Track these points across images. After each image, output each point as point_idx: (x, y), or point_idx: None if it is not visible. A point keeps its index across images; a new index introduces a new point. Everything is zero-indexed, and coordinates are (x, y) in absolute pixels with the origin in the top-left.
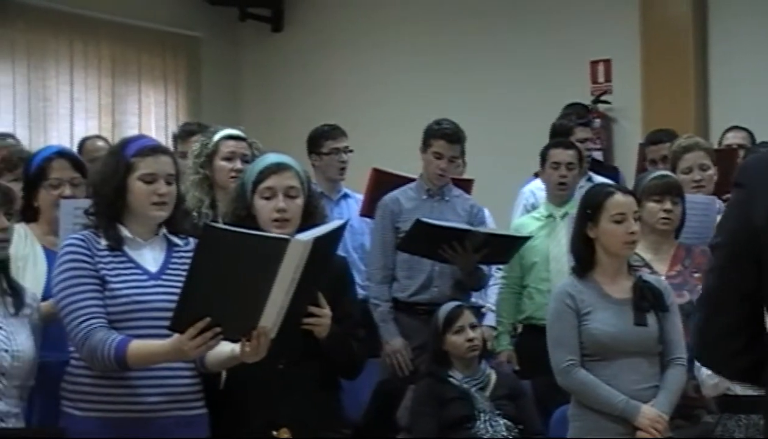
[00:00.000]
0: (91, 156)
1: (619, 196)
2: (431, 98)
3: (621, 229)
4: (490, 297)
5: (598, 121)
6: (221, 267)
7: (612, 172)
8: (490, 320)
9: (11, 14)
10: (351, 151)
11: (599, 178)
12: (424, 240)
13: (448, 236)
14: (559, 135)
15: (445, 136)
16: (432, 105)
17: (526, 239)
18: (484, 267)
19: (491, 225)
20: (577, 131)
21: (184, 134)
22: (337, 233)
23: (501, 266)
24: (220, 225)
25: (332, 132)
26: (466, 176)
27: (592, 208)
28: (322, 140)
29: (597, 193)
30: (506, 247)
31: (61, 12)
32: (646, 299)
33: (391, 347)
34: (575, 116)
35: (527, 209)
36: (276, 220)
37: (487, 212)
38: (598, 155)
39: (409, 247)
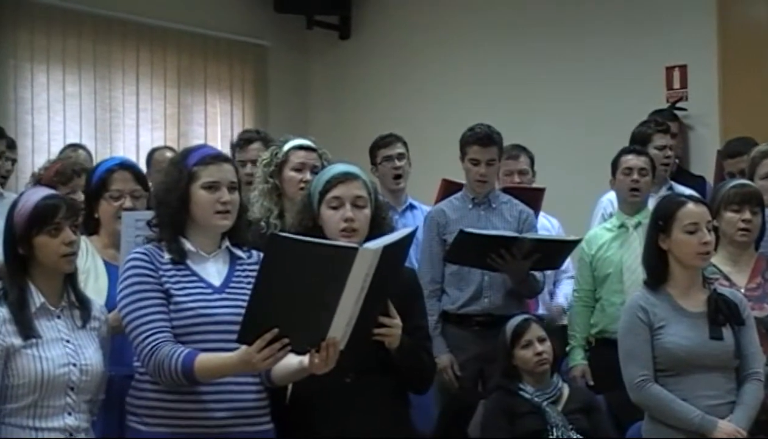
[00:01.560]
0: (161, 167)
1: (691, 206)
2: (500, 108)
3: (694, 239)
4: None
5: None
6: (288, 277)
7: (697, 181)
8: (560, 299)
9: (79, 24)
10: (405, 157)
11: (681, 188)
12: (470, 250)
13: (494, 245)
14: (638, 142)
15: (478, 141)
16: (501, 115)
17: (576, 242)
18: (538, 274)
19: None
20: (655, 138)
21: (242, 142)
22: (405, 242)
23: (573, 277)
24: (287, 234)
25: (384, 140)
26: (536, 186)
27: (663, 218)
28: (375, 151)
29: (668, 204)
30: (557, 251)
31: (127, 21)
32: (721, 312)
33: (439, 364)
34: (654, 123)
35: (605, 219)
36: (344, 230)
37: (556, 223)
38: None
39: (456, 258)
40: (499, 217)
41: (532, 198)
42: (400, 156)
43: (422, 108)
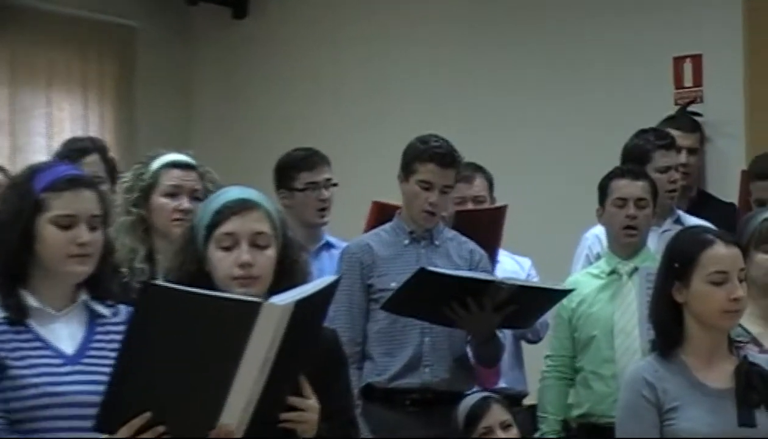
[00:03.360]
0: None
1: (720, 248)
2: (446, 113)
3: (721, 293)
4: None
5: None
6: (166, 342)
7: (727, 210)
8: None
9: None
10: (335, 184)
11: (692, 220)
12: (423, 296)
13: (461, 291)
14: (634, 161)
15: (435, 158)
16: (447, 122)
17: (566, 292)
18: (501, 335)
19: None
20: (656, 157)
21: (73, 154)
22: (326, 295)
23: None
24: (165, 284)
25: (308, 160)
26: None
27: (682, 262)
28: (294, 171)
29: (689, 242)
30: (538, 304)
31: None
32: (755, 389)
33: None
34: (654, 136)
35: (590, 261)
36: (239, 277)
37: (527, 263)
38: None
39: (398, 306)
40: (443, 258)
41: (492, 221)
42: (328, 183)
43: (342, 109)
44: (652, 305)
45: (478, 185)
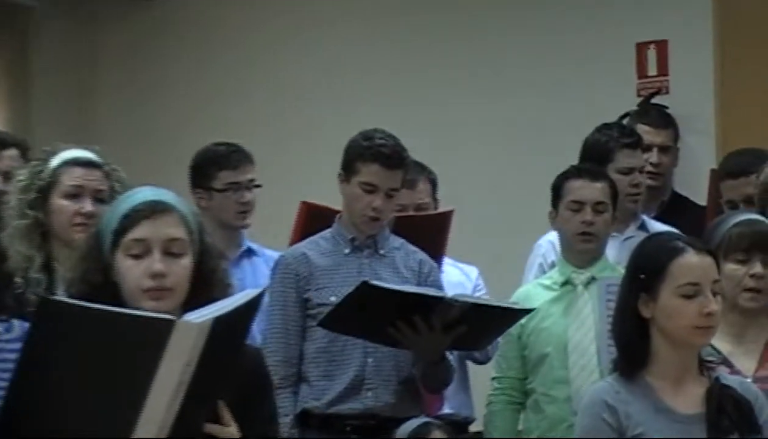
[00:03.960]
0: None
1: (691, 257)
2: (382, 107)
3: (692, 307)
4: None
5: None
6: (67, 364)
7: (696, 216)
8: None
9: None
10: (258, 185)
11: (656, 226)
12: (365, 313)
13: (407, 308)
14: (594, 159)
15: (380, 158)
16: (383, 116)
17: (525, 311)
18: (450, 356)
19: (482, 293)
20: (619, 157)
21: None
22: (248, 311)
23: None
24: (64, 299)
25: (230, 157)
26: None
27: (649, 272)
28: (213, 169)
29: (657, 250)
30: (493, 325)
31: None
32: (727, 415)
33: None
34: (618, 132)
35: (544, 270)
36: (150, 289)
37: (474, 272)
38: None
39: (338, 323)
40: (389, 269)
41: (435, 227)
42: (251, 184)
43: (265, 101)
44: (614, 320)
45: (422, 190)
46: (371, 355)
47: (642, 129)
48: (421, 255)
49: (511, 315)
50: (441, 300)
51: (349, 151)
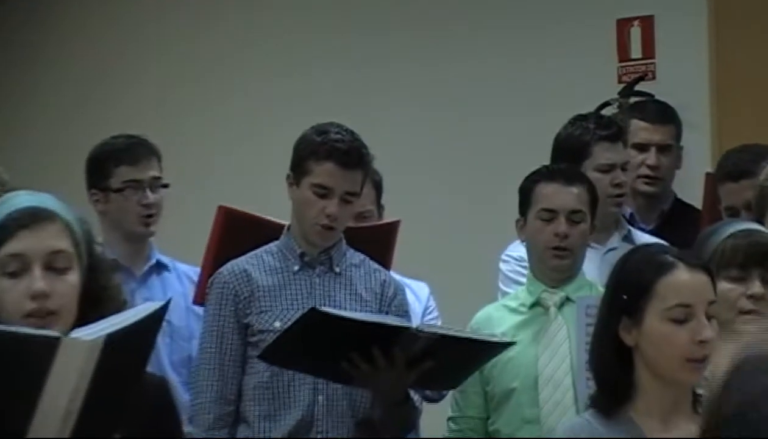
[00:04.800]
0: None
1: (682, 274)
2: (321, 95)
3: (683, 334)
4: None
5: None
6: None
7: (691, 224)
8: None
9: None
10: (165, 185)
11: (646, 238)
12: (313, 345)
13: (363, 338)
14: (566, 156)
15: (335, 155)
16: (319, 106)
17: (504, 345)
18: (414, 395)
19: (432, 317)
20: (596, 152)
21: None
22: (148, 327)
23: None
24: None
25: (129, 151)
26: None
27: (632, 292)
28: (109, 165)
29: (642, 266)
30: (466, 360)
31: None
32: None
33: None
34: (595, 123)
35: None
36: (32, 313)
37: (425, 290)
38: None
39: (283, 356)
40: (345, 291)
41: (380, 239)
42: (155, 183)
43: (174, 88)
44: (592, 347)
45: (365, 196)
46: (322, 392)
47: (638, 125)
48: (385, 274)
49: (488, 349)
50: (405, 330)
51: (299, 148)
